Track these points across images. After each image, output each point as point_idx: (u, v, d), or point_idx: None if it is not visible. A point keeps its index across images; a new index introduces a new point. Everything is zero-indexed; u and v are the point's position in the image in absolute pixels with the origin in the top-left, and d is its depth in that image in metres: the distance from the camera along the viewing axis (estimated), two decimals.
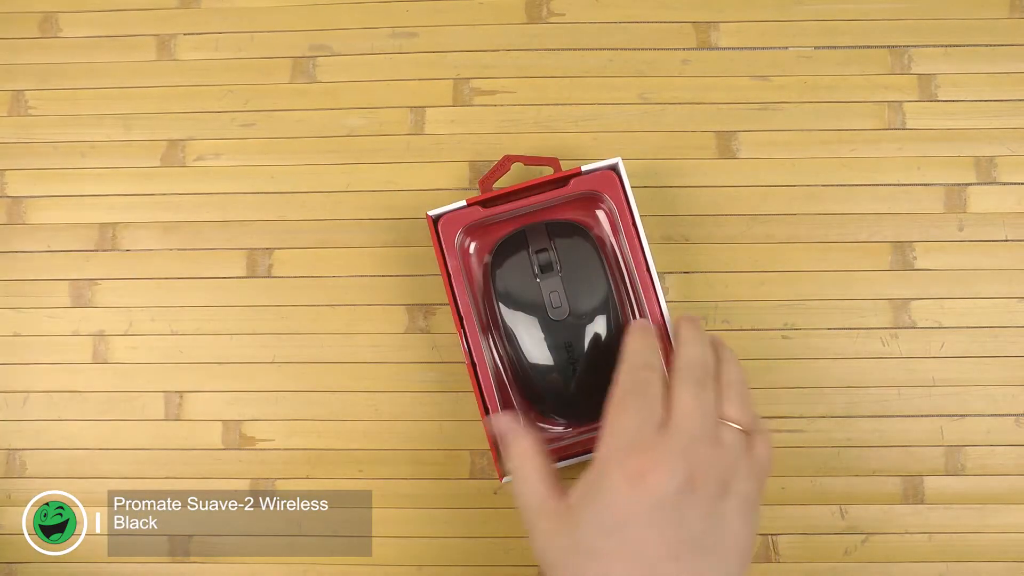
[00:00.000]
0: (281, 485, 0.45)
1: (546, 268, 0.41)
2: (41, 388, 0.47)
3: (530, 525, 0.33)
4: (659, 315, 0.42)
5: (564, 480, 0.34)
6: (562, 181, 0.43)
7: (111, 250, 0.47)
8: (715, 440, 0.32)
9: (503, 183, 0.46)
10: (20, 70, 0.49)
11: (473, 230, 0.43)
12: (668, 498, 0.30)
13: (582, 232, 0.42)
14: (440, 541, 0.45)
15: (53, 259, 0.48)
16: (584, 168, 0.42)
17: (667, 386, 0.34)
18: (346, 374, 0.46)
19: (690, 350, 0.35)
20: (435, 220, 0.43)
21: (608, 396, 0.34)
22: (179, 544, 0.45)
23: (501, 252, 0.42)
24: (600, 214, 0.44)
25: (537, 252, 0.42)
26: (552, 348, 0.41)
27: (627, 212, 0.43)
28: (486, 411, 0.41)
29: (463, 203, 0.42)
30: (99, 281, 0.47)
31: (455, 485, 0.45)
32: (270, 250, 0.47)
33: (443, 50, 0.48)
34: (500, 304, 0.41)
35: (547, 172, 0.46)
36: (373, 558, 0.45)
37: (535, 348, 0.41)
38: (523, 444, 0.35)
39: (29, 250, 0.48)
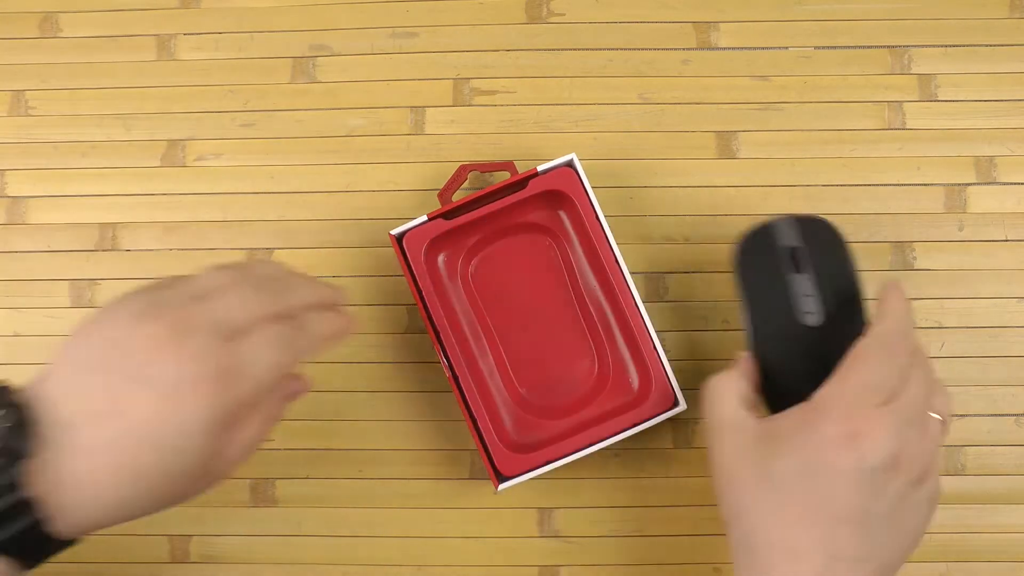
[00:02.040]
0: (281, 485, 0.45)
1: (798, 266, 0.38)
2: None
3: (718, 436, 0.35)
4: (633, 306, 0.42)
5: None
6: (520, 184, 0.43)
7: (111, 250, 0.47)
8: (924, 429, 0.33)
9: (465, 192, 0.46)
10: (20, 70, 0.49)
11: (439, 242, 0.43)
12: (873, 468, 0.30)
13: (831, 229, 0.39)
14: (440, 541, 0.45)
15: (53, 259, 0.48)
16: (540, 168, 0.42)
17: (910, 360, 0.33)
18: (346, 374, 0.46)
19: (914, 333, 0.34)
20: (399, 238, 0.43)
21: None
22: (179, 544, 0.45)
23: (748, 248, 0.40)
24: (563, 215, 0.45)
25: (788, 249, 0.39)
26: (803, 351, 0.38)
27: (589, 207, 0.43)
28: (473, 423, 0.41)
29: (424, 218, 0.42)
30: (99, 281, 0.47)
31: (455, 485, 0.45)
32: (270, 250, 0.47)
33: (443, 50, 0.48)
34: (747, 300, 0.39)
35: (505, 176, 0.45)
36: (373, 558, 0.45)
37: (783, 349, 0.38)
38: (725, 374, 0.37)
39: (29, 250, 0.48)
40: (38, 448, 0.27)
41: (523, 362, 0.45)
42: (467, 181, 0.46)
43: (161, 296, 0.30)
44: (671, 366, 0.42)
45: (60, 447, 0.27)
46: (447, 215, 0.43)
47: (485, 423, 0.41)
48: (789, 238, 0.39)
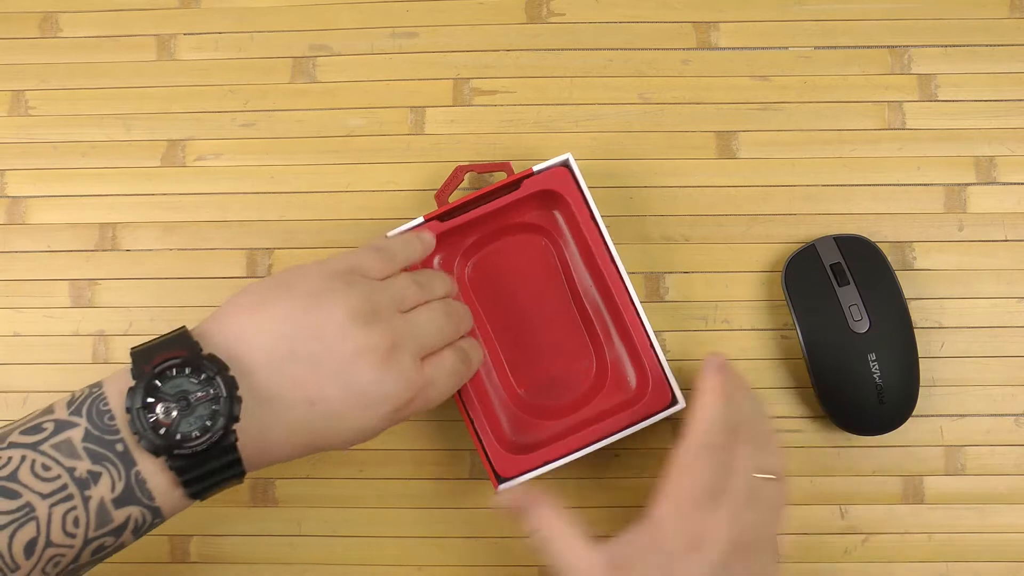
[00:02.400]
0: (281, 485, 0.45)
1: (842, 280, 0.43)
2: (42, 388, 0.47)
3: None
4: (629, 304, 0.42)
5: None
6: (515, 184, 0.42)
7: (111, 250, 0.47)
8: (757, 500, 0.35)
9: (462, 192, 0.46)
10: (20, 70, 0.49)
11: (436, 243, 0.42)
12: (721, 561, 0.33)
13: (870, 245, 0.44)
14: (440, 541, 0.45)
15: (53, 259, 0.48)
16: (536, 168, 0.42)
17: (730, 444, 0.35)
18: None
19: (730, 405, 0.37)
20: None
21: (901, 403, 0.42)
22: (179, 545, 0.45)
23: (795, 266, 0.44)
24: (558, 215, 0.44)
25: (831, 265, 0.43)
26: (853, 360, 0.42)
27: (584, 207, 0.42)
28: (472, 425, 0.41)
29: (420, 219, 0.42)
30: (99, 281, 0.47)
31: (455, 485, 0.45)
32: (270, 250, 0.47)
33: (443, 50, 0.48)
34: (797, 316, 0.44)
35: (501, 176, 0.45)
36: (373, 558, 0.45)
37: (835, 360, 0.43)
38: (546, 511, 0.36)
39: (29, 250, 0.48)
40: (244, 413, 0.31)
41: (520, 362, 0.45)
42: (464, 181, 0.46)
43: (373, 296, 0.34)
44: (670, 366, 0.42)
45: (260, 419, 0.31)
46: (443, 216, 0.42)
47: (482, 424, 0.41)
48: (831, 256, 0.43)
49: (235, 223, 0.47)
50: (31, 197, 0.48)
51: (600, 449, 0.41)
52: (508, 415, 0.44)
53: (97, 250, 0.47)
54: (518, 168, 0.44)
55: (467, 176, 0.44)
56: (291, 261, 0.47)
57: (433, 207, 0.43)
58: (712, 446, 0.35)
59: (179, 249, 0.47)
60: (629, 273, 0.42)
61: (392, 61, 0.48)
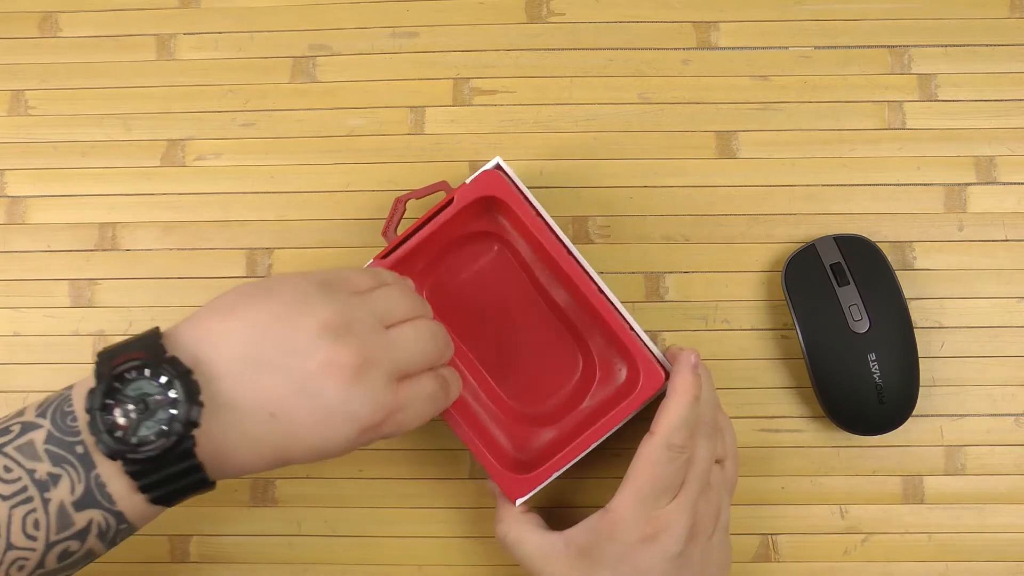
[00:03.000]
0: (281, 485, 0.45)
1: (842, 280, 0.43)
2: (41, 388, 0.46)
3: (539, 571, 0.38)
4: (597, 293, 0.41)
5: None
6: (448, 203, 0.41)
7: (111, 250, 0.47)
8: (708, 487, 0.38)
9: (409, 220, 0.43)
10: (20, 70, 0.49)
11: (398, 269, 0.41)
12: (677, 552, 0.36)
13: (870, 245, 0.44)
14: (440, 541, 0.45)
15: (53, 259, 0.48)
16: (468, 181, 0.41)
17: (693, 441, 0.38)
18: None
19: (698, 404, 0.38)
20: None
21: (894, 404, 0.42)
22: (179, 544, 0.45)
23: (795, 266, 0.44)
24: (502, 219, 0.43)
25: (831, 265, 0.43)
26: (853, 360, 0.42)
27: (525, 206, 0.41)
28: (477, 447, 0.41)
29: (371, 261, 0.41)
30: (99, 281, 0.47)
31: (455, 485, 0.45)
32: (270, 250, 0.47)
33: (443, 50, 0.48)
34: (797, 316, 0.44)
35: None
36: (373, 558, 0.45)
37: (836, 360, 0.43)
38: (511, 507, 0.40)
39: (29, 250, 0.48)
40: (205, 419, 0.29)
41: (505, 372, 0.44)
42: (408, 212, 0.44)
43: (351, 310, 0.32)
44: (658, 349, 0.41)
45: (222, 427, 0.30)
46: (393, 251, 0.41)
47: (481, 451, 0.40)
48: (831, 256, 0.43)
49: (235, 223, 0.47)
50: (31, 197, 0.48)
51: (600, 448, 0.41)
52: (504, 431, 0.43)
53: (97, 250, 0.47)
54: (455, 185, 0.43)
55: (407, 206, 0.43)
56: (291, 261, 0.47)
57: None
58: (678, 447, 0.36)
59: (179, 249, 0.47)
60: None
61: (392, 61, 0.48)
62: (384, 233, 0.43)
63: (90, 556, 0.31)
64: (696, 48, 0.48)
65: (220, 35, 0.49)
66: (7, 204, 0.48)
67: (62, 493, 0.29)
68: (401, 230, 0.42)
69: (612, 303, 0.41)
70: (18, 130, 0.48)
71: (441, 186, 0.43)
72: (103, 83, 0.49)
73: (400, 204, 0.43)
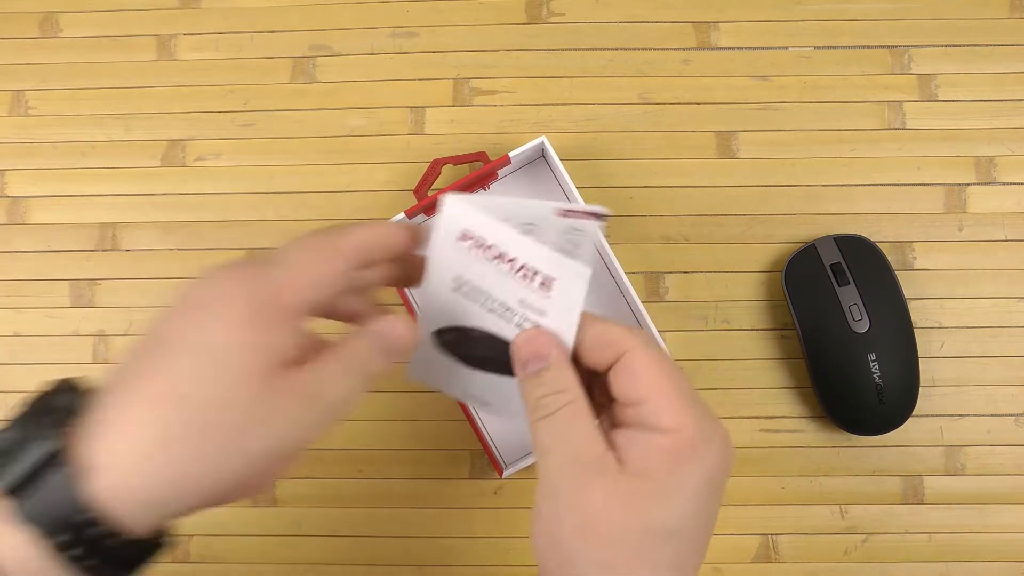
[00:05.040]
0: (281, 485, 0.45)
1: (842, 280, 0.43)
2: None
3: (573, 480, 0.26)
4: (622, 276, 0.43)
5: None
6: (492, 173, 0.43)
7: (111, 250, 0.47)
8: None
9: (441, 183, 0.46)
10: (20, 70, 0.49)
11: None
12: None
13: (870, 245, 0.44)
14: (440, 541, 0.45)
15: (53, 259, 0.48)
16: (511, 154, 0.43)
17: None
18: None
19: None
20: None
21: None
22: (179, 545, 0.45)
23: (795, 266, 0.44)
24: None
25: (831, 265, 0.43)
26: (853, 360, 0.42)
27: (560, 189, 0.43)
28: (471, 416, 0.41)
29: (402, 215, 0.43)
30: (99, 281, 0.47)
31: (455, 485, 0.45)
32: (270, 250, 0.47)
33: (443, 50, 0.48)
34: (797, 316, 0.44)
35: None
36: (373, 558, 0.45)
37: (836, 360, 0.43)
38: (567, 380, 0.27)
39: (29, 250, 0.48)
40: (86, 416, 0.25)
41: None
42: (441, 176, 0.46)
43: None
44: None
45: (102, 410, 0.25)
46: (424, 210, 0.43)
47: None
48: (831, 256, 0.43)
49: (235, 223, 0.47)
50: (31, 197, 0.48)
51: None
52: None
53: (97, 250, 0.47)
54: (493, 156, 0.45)
55: (442, 170, 0.45)
56: None
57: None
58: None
59: (179, 249, 0.47)
60: (629, 273, 0.42)
61: (392, 61, 0.48)
62: (416, 191, 0.44)
63: None
64: (696, 48, 0.48)
65: (220, 35, 0.49)
66: (7, 204, 0.48)
67: None
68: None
69: (627, 287, 0.42)
70: (18, 130, 0.48)
71: (480, 156, 0.44)
72: (103, 83, 0.49)
73: (437, 165, 0.44)
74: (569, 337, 0.28)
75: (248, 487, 0.28)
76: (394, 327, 0.28)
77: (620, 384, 0.27)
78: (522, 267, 0.28)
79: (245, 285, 0.26)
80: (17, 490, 0.24)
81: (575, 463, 0.26)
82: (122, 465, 0.24)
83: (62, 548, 0.24)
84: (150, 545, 0.27)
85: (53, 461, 0.24)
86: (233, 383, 0.25)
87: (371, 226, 0.29)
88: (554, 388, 0.27)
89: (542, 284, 0.28)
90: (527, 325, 0.28)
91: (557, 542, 0.26)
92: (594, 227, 0.28)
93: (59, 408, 0.26)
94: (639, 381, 0.27)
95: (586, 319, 0.28)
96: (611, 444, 0.27)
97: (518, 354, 0.28)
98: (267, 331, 0.25)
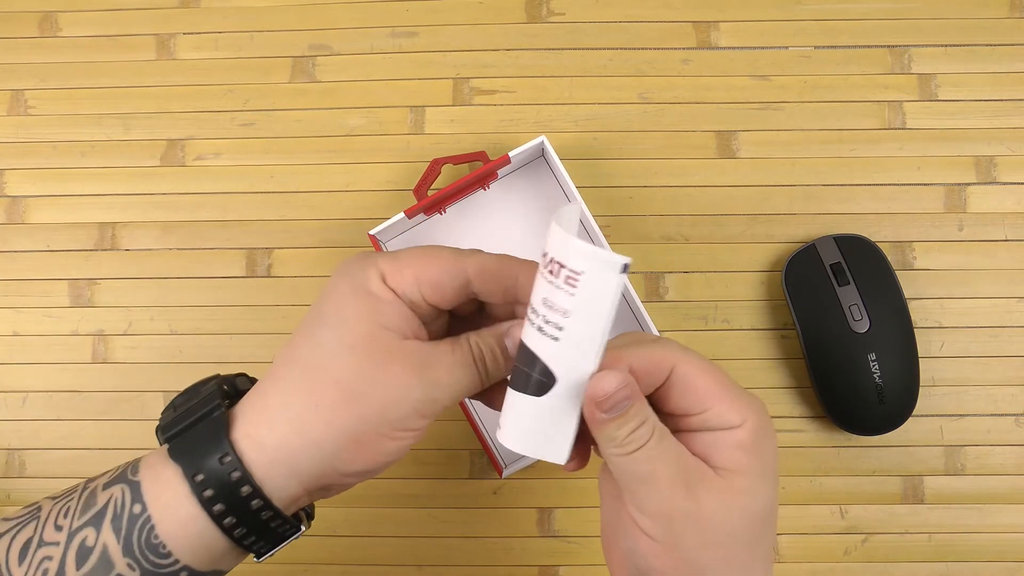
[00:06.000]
0: None
1: (842, 280, 0.43)
2: (41, 388, 0.46)
3: (686, 496, 0.26)
4: None
5: None
6: (492, 172, 0.43)
7: (111, 250, 0.47)
8: None
9: (440, 183, 0.46)
10: (19, 69, 0.49)
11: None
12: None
13: (870, 245, 0.44)
14: (440, 541, 0.45)
15: (52, 258, 0.47)
16: (511, 154, 0.43)
17: None
18: None
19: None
20: (380, 240, 0.43)
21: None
22: None
23: (795, 266, 0.44)
24: None
25: (831, 265, 0.43)
26: (853, 360, 0.42)
27: (559, 189, 0.43)
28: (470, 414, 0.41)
29: (401, 215, 0.43)
30: (99, 281, 0.47)
31: (455, 485, 0.45)
32: (270, 250, 0.47)
33: (443, 50, 0.48)
34: (797, 316, 0.44)
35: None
36: (373, 558, 0.45)
37: (836, 360, 0.43)
38: (646, 407, 0.26)
39: (29, 250, 0.48)
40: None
41: None
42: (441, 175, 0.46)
43: None
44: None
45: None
46: (424, 210, 0.42)
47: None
48: (831, 256, 0.43)
49: (235, 223, 0.47)
50: (30, 197, 0.48)
51: None
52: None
53: (97, 250, 0.47)
54: (493, 156, 0.45)
55: (442, 170, 0.45)
56: (291, 261, 0.47)
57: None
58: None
59: (179, 249, 0.47)
60: (629, 273, 0.42)
61: (392, 61, 0.48)
62: (416, 190, 0.44)
63: None
64: (696, 48, 0.48)
65: (220, 35, 0.49)
66: (7, 204, 0.48)
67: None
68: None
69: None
70: (18, 130, 0.48)
71: (479, 156, 0.44)
72: (103, 83, 0.49)
73: (436, 165, 0.44)
74: (594, 347, 0.25)
75: (363, 457, 0.30)
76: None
77: (678, 399, 0.27)
78: (550, 261, 0.24)
79: (353, 262, 0.29)
80: (194, 459, 0.27)
81: (681, 481, 0.26)
82: (270, 439, 0.28)
83: (220, 516, 0.28)
84: (288, 524, 0.31)
85: (217, 431, 0.28)
86: (339, 347, 0.27)
87: (507, 259, 0.29)
88: (640, 419, 0.26)
89: (567, 279, 0.24)
90: (548, 329, 0.24)
91: (687, 560, 0.26)
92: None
93: (216, 391, 0.30)
94: (700, 393, 0.27)
95: (623, 340, 0.28)
96: (693, 452, 0.27)
97: (602, 402, 0.26)
98: (366, 301, 0.28)
